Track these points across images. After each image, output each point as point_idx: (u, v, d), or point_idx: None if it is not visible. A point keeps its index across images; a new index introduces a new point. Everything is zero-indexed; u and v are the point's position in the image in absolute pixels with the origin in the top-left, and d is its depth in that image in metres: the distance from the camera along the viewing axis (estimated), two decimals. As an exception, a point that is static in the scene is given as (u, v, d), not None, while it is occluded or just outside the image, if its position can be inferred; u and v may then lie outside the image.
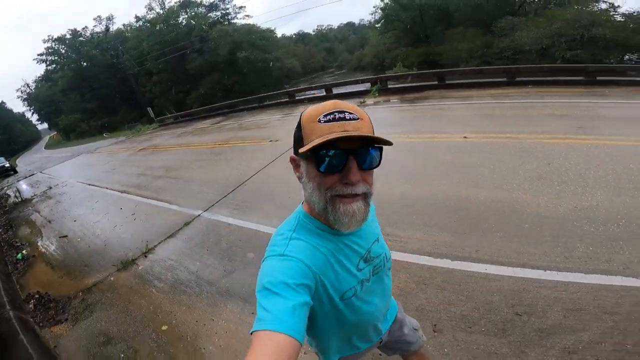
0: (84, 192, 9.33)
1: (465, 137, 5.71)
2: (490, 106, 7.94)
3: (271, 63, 32.28)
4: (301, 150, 0.74)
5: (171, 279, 3.65)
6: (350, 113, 0.74)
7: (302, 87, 16.45)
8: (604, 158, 4.19)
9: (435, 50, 25.68)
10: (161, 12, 38.69)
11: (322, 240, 0.84)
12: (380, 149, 0.78)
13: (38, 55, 45.78)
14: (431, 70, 14.26)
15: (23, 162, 30.87)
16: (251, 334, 0.64)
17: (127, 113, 39.18)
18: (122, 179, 9.55)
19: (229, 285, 3.23)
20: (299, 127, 0.78)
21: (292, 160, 0.85)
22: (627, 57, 19.07)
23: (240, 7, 40.74)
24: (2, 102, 66.65)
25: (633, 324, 2.02)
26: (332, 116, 0.73)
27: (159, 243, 4.60)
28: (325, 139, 0.69)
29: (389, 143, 0.75)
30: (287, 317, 0.65)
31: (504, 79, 10.48)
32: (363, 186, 0.77)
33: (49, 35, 48.44)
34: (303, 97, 14.47)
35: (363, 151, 0.74)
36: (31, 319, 3.54)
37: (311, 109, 0.77)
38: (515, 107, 7.46)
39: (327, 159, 0.73)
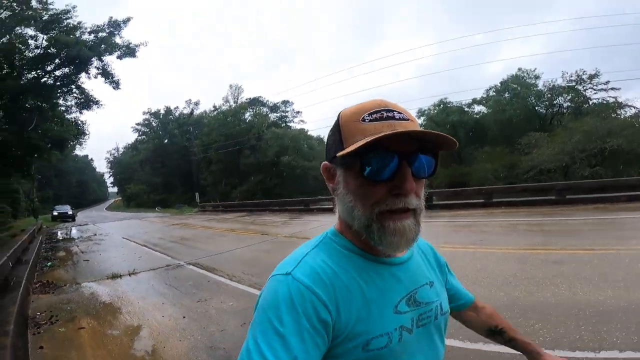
0: (118, 242, 12.08)
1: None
2: (437, 224, 9.30)
3: (310, 172, 33.16)
4: (342, 152, 0.59)
5: (135, 284, 5.55)
6: (399, 112, 0.61)
7: (316, 198, 18.85)
8: (469, 259, 5.35)
9: (464, 170, 25.81)
10: (233, 105, 41.58)
11: (349, 264, 0.64)
12: (435, 157, 0.62)
13: (136, 124, 51.77)
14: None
15: (83, 215, 35.85)
16: None
17: (182, 193, 41.57)
18: (147, 238, 12.09)
19: (165, 292, 5.03)
20: (336, 129, 0.64)
21: (325, 169, 0.68)
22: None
23: (298, 112, 43.48)
24: (91, 159, 76.64)
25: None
26: (378, 114, 0.60)
27: (143, 271, 6.54)
28: (377, 137, 0.55)
29: (453, 144, 0.60)
30: None
31: (481, 200, 11.25)
32: (415, 199, 0.61)
33: (148, 108, 54.91)
34: (315, 207, 16.92)
35: (416, 156, 0.60)
36: (31, 289, 5.52)
37: (351, 108, 0.64)
38: (456, 225, 8.89)
39: (375, 162, 0.58)
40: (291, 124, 42.86)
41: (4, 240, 14.36)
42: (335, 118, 0.66)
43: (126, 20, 16.42)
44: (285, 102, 42.96)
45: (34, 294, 5.35)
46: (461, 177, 24.53)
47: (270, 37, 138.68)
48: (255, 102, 42.01)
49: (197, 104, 49.96)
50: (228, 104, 42.42)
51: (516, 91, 28.18)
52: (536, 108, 28.29)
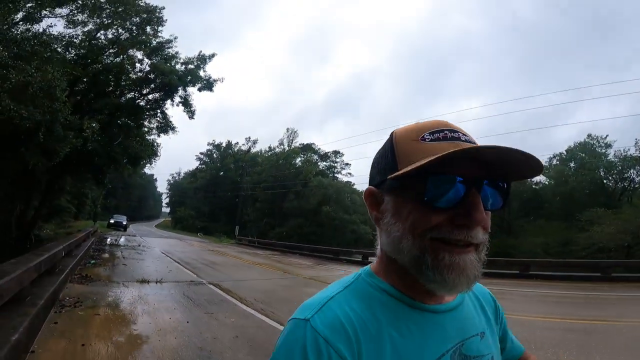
0: (156, 255, 13.23)
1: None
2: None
3: (348, 225, 32.96)
4: (401, 172, 0.50)
5: (157, 290, 6.10)
6: (464, 135, 0.53)
7: (347, 249, 18.52)
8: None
9: (510, 242, 24.02)
10: (287, 148, 42.07)
11: (383, 310, 0.53)
12: (505, 189, 0.54)
13: (200, 153, 54.86)
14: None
15: (134, 227, 38.87)
16: None
17: (224, 224, 41.69)
18: (182, 257, 13.08)
19: (180, 300, 5.49)
20: (389, 148, 0.55)
21: (369, 194, 0.58)
22: None
23: (347, 164, 43.01)
24: (155, 178, 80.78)
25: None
26: (442, 134, 0.52)
27: (169, 282, 7.15)
28: (450, 152, 0.45)
29: (538, 169, 0.50)
30: None
31: (516, 272, 11.09)
32: (482, 233, 0.51)
33: (213, 140, 56.84)
34: (345, 258, 16.76)
35: (486, 184, 0.51)
36: (70, 278, 6.26)
37: (408, 126, 0.56)
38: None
39: (438, 186, 0.49)
40: (338, 175, 42.96)
41: (60, 235, 16.21)
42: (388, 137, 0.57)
43: (211, 56, 18.09)
44: (335, 153, 43.44)
45: (71, 282, 6.11)
46: (506, 248, 21.94)
47: (331, 86, 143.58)
48: (307, 148, 42.76)
49: (255, 142, 51.39)
50: (282, 146, 43.42)
51: (583, 160, 25.78)
52: (604, 181, 25.54)
